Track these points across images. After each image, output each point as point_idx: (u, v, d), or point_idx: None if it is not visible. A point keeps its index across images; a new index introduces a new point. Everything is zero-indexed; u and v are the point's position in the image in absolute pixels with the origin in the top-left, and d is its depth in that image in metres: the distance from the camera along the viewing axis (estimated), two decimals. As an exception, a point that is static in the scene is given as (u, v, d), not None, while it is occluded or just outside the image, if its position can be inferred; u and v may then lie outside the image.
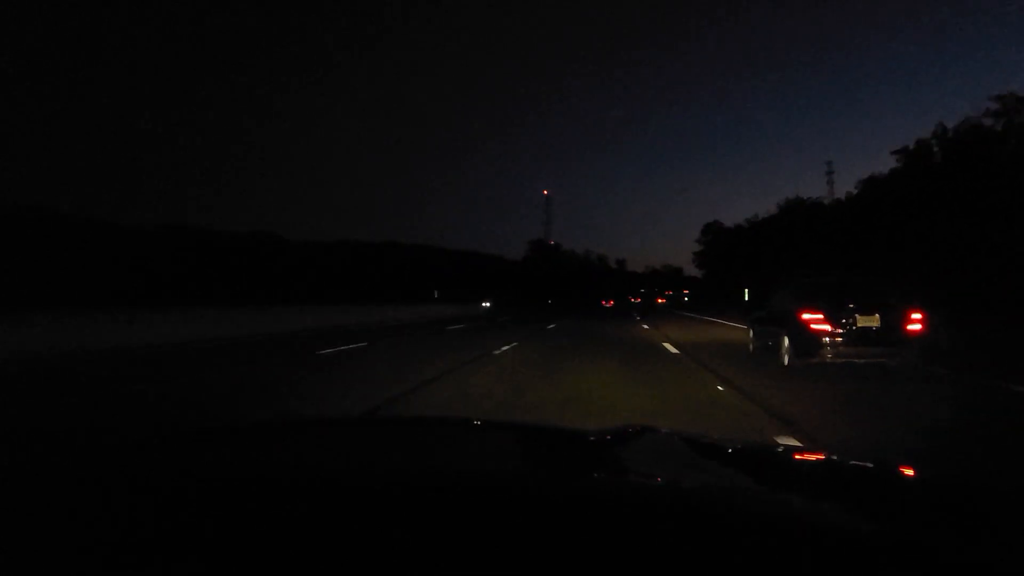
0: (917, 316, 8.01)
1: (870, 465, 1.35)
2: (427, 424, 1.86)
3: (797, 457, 1.58)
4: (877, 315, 8.00)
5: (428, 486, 0.90)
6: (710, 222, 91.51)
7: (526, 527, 0.75)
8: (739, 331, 16.13)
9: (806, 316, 8.21)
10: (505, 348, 13.34)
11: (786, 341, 8.74)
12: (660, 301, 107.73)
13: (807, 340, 8.18)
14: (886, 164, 44.36)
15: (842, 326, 8.02)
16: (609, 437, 1.37)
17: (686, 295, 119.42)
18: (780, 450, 2.26)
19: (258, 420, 3.58)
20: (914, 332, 7.96)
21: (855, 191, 43.65)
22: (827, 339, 8.03)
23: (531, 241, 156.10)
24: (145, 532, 0.77)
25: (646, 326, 23.49)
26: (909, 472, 1.26)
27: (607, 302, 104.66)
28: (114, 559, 0.71)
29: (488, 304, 54.03)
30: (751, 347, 11.65)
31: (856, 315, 8.02)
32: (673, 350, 12.74)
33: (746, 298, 42.68)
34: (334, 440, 1.40)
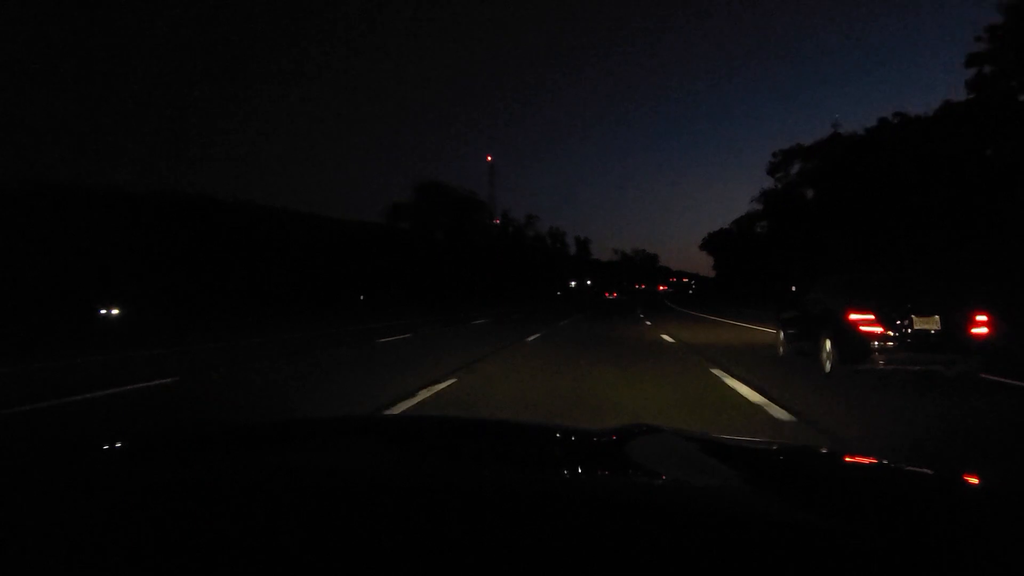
0: (983, 318, 7.06)
1: (928, 472, 1.24)
2: (429, 424, 1.82)
3: (847, 459, 1.49)
4: (937, 316, 7.07)
5: (430, 487, 0.88)
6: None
7: (530, 527, 0.73)
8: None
9: (854, 316, 7.27)
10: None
11: (828, 344, 7.83)
12: (662, 288, 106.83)
13: (855, 344, 7.25)
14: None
15: (896, 328, 7.09)
16: (615, 436, 1.31)
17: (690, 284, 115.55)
18: (824, 451, 2.13)
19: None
20: (979, 336, 7.01)
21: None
22: (878, 343, 7.10)
23: (417, 186, 76.01)
24: (143, 533, 0.75)
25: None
26: (973, 480, 1.14)
27: (611, 294, 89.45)
28: (113, 560, 0.70)
29: (116, 312, 26.73)
30: (780, 350, 10.78)
31: (912, 316, 7.09)
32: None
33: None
34: (333, 442, 1.38)
